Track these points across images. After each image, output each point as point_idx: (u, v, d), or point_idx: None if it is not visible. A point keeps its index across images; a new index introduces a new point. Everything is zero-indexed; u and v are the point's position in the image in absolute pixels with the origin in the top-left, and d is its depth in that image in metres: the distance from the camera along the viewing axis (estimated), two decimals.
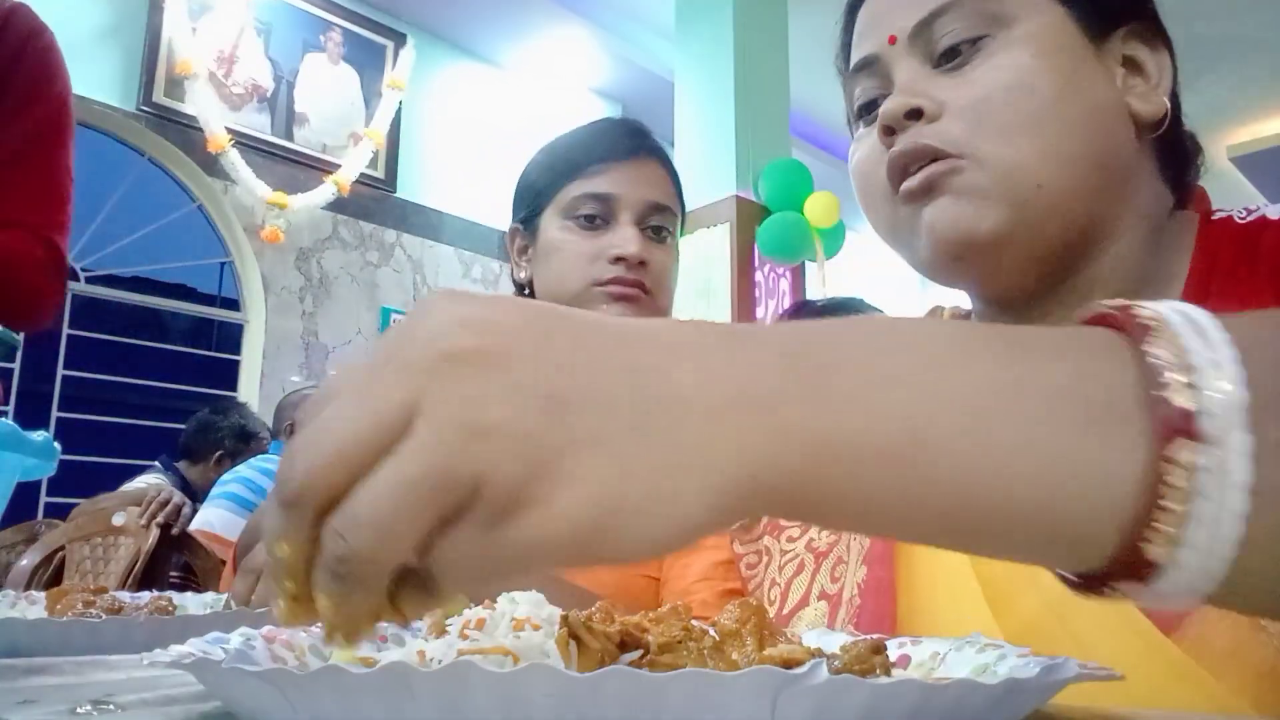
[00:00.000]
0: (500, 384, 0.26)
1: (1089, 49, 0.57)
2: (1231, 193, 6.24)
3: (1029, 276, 0.57)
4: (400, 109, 5.05)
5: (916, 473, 0.27)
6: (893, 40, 0.60)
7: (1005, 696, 0.28)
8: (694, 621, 0.39)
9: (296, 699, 0.28)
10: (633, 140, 1.04)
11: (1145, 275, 0.59)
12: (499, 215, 5.65)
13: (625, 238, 0.98)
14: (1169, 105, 0.59)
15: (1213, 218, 0.60)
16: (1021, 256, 0.56)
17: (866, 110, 0.63)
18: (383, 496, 0.25)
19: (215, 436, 3.02)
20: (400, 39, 5.17)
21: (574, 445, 0.26)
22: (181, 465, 3.00)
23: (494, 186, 5.45)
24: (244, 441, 3.05)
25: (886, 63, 0.61)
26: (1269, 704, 0.44)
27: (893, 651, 0.39)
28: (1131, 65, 0.60)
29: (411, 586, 0.27)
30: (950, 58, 0.58)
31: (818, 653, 0.36)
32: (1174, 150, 0.62)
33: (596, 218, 1.00)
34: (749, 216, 4.04)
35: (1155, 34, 0.61)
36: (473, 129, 5.51)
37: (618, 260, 0.97)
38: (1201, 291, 0.56)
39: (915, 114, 0.57)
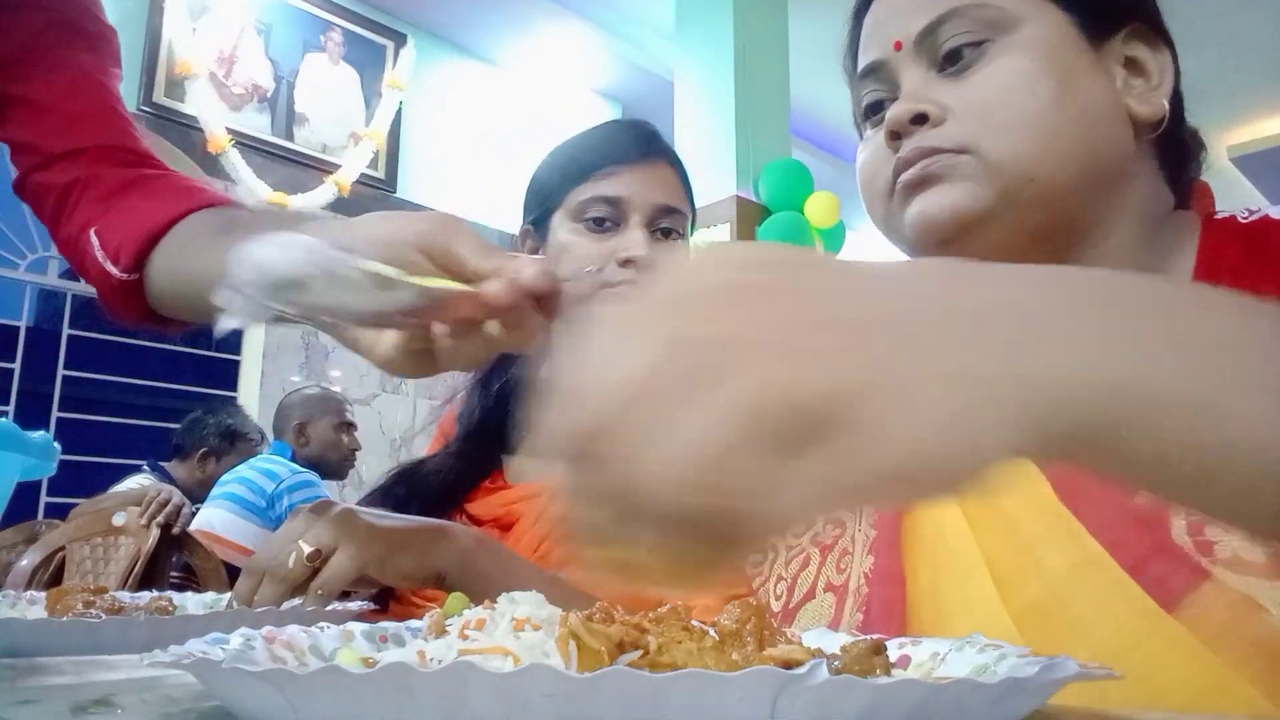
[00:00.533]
0: (799, 312, 0.25)
1: (1088, 52, 0.59)
2: (1231, 193, 6.23)
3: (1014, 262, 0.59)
4: (401, 109, 5.05)
5: (1219, 432, 0.27)
6: (898, 46, 0.62)
7: (1005, 696, 0.28)
8: (694, 623, 0.39)
9: (296, 699, 0.28)
10: (644, 143, 1.04)
11: (1143, 270, 0.59)
12: (500, 215, 5.67)
13: (634, 240, 0.98)
14: (1167, 106, 0.60)
15: (1215, 217, 0.61)
16: (1005, 242, 0.58)
17: (873, 111, 0.65)
18: (716, 428, 0.23)
19: (200, 434, 3.02)
20: (400, 39, 5.17)
21: (890, 369, 0.25)
22: (170, 465, 2.99)
23: (494, 186, 5.45)
24: (229, 441, 3.05)
25: (893, 68, 0.63)
26: (1266, 680, 0.44)
27: (893, 652, 0.39)
28: (1133, 65, 0.61)
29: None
30: (953, 61, 0.59)
31: (818, 653, 0.36)
32: (1174, 148, 0.63)
33: (606, 220, 1.00)
34: (749, 217, 4.04)
35: (1156, 35, 0.62)
36: (473, 129, 5.51)
37: (627, 263, 0.97)
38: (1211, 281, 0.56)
39: (920, 119, 0.59)
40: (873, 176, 0.63)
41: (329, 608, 0.72)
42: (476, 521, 0.98)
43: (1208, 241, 0.59)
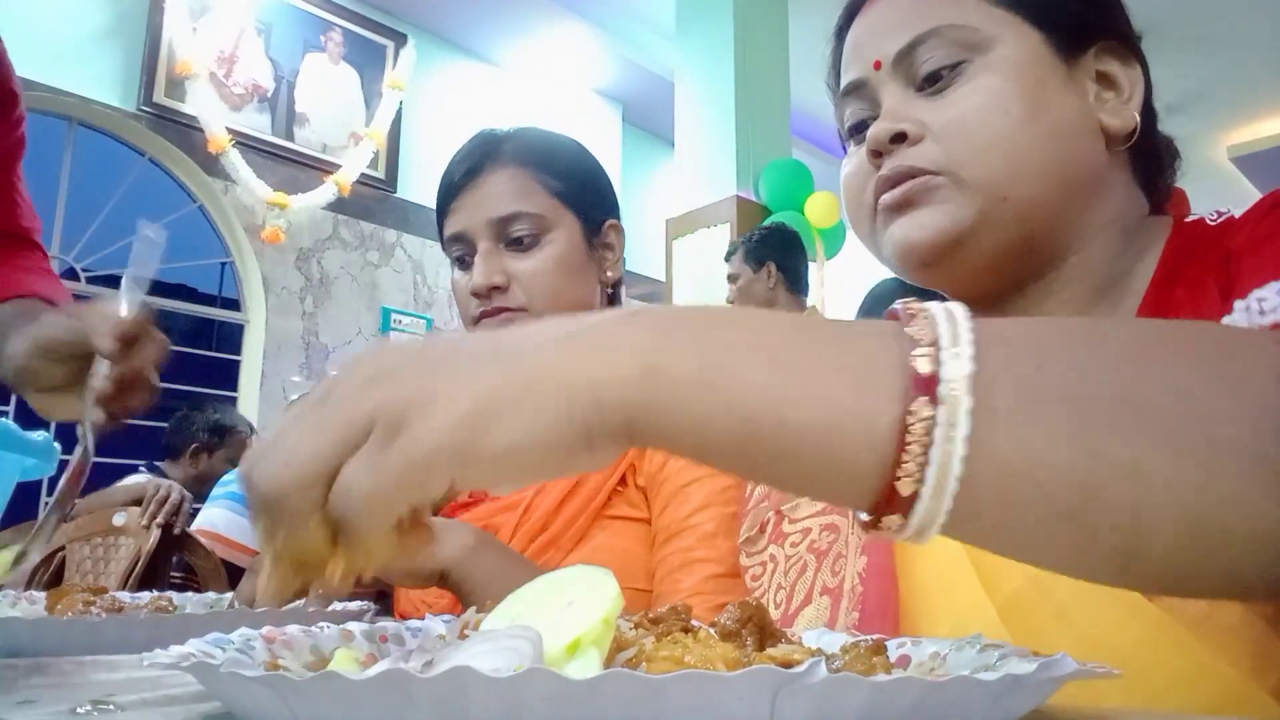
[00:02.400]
0: (395, 356, 0.35)
1: (1060, 68, 0.61)
2: (1232, 193, 6.24)
3: (995, 277, 0.61)
4: (401, 109, 5.06)
5: (719, 398, 0.33)
6: (878, 65, 0.64)
7: (1004, 694, 0.28)
8: (693, 622, 0.39)
9: (295, 703, 0.28)
10: (467, 163, 1.02)
11: (1113, 276, 0.62)
12: None
13: (477, 272, 0.98)
14: (1138, 117, 0.62)
15: (1186, 220, 0.62)
16: (985, 258, 0.60)
17: (857, 130, 0.67)
18: (294, 436, 0.33)
19: (189, 431, 3.02)
20: (400, 39, 5.17)
21: (445, 382, 0.33)
22: (164, 465, 2.98)
23: None
24: (218, 436, 3.04)
25: (873, 86, 0.65)
26: (1246, 662, 0.46)
27: (893, 652, 0.39)
28: (1104, 80, 0.63)
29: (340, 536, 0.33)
30: (932, 82, 0.61)
31: (817, 653, 0.36)
32: (1147, 157, 0.65)
33: (464, 257, 1.01)
34: (749, 217, 4.04)
35: (1127, 49, 0.64)
36: (473, 129, 5.51)
37: (480, 295, 0.97)
38: (1164, 293, 0.58)
39: (900, 137, 0.61)
40: (856, 193, 0.65)
41: (330, 608, 0.72)
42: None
43: (1171, 246, 0.61)
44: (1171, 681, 0.46)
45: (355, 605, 0.75)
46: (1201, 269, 0.57)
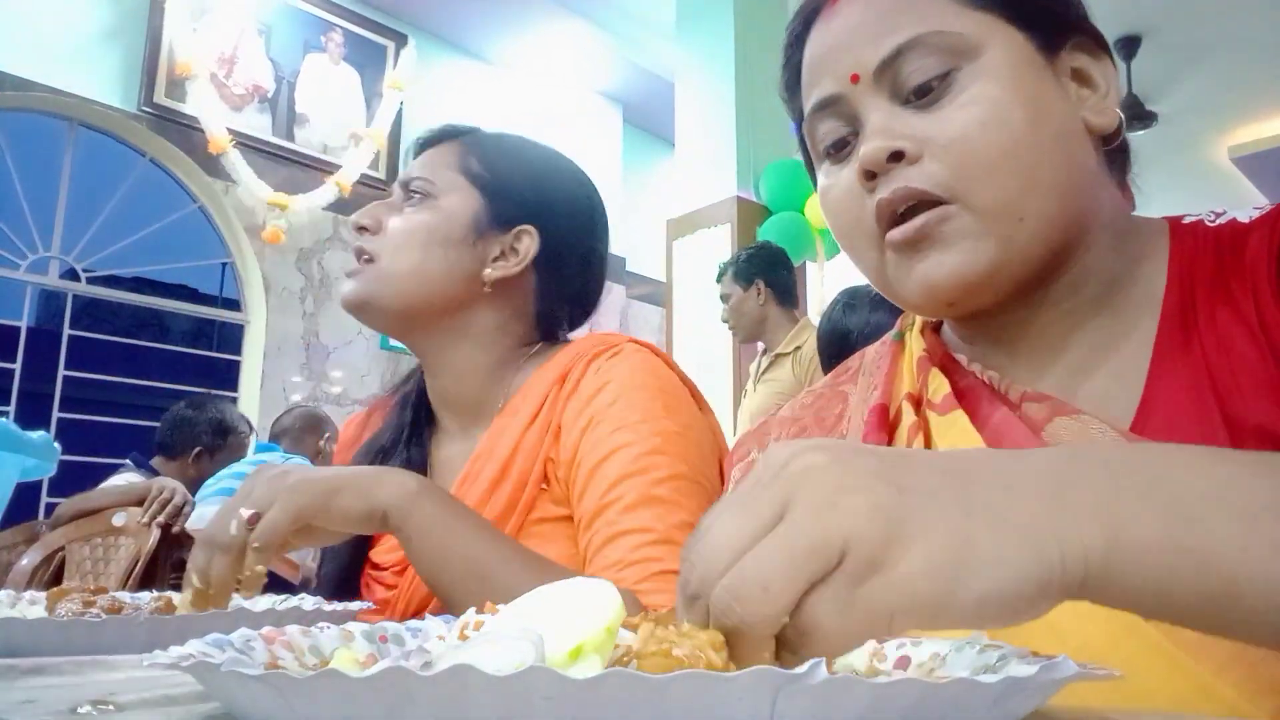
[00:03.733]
0: (854, 473, 0.33)
1: (1047, 68, 0.58)
2: (1232, 193, 6.24)
3: (1010, 295, 0.59)
4: (401, 109, 5.06)
5: (1191, 560, 0.33)
6: (855, 79, 0.59)
7: (1004, 695, 0.28)
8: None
9: (296, 702, 0.28)
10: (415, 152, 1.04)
11: (1116, 280, 0.60)
12: None
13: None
14: (1121, 114, 0.60)
15: (1183, 222, 0.61)
16: (1012, 284, 0.58)
17: (836, 149, 0.62)
18: (765, 559, 0.31)
19: (193, 432, 2.99)
20: (401, 39, 5.18)
21: (917, 522, 0.32)
22: (156, 462, 2.96)
23: None
24: (221, 437, 3.03)
25: (851, 101, 0.60)
26: (1249, 685, 0.45)
27: (892, 652, 0.39)
28: (1080, 77, 0.60)
29: (785, 651, 0.32)
30: (922, 94, 0.57)
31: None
32: (1121, 154, 0.63)
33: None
34: (750, 217, 4.04)
35: (1097, 44, 0.61)
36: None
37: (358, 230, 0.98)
38: (1186, 299, 0.57)
39: (897, 156, 0.57)
40: (852, 223, 0.61)
41: (330, 608, 0.72)
42: (377, 567, 0.97)
43: (1179, 250, 0.59)
44: (1175, 702, 0.46)
45: (355, 606, 0.75)
46: (1220, 272, 0.56)
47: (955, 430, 0.59)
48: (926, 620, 0.32)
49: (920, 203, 0.56)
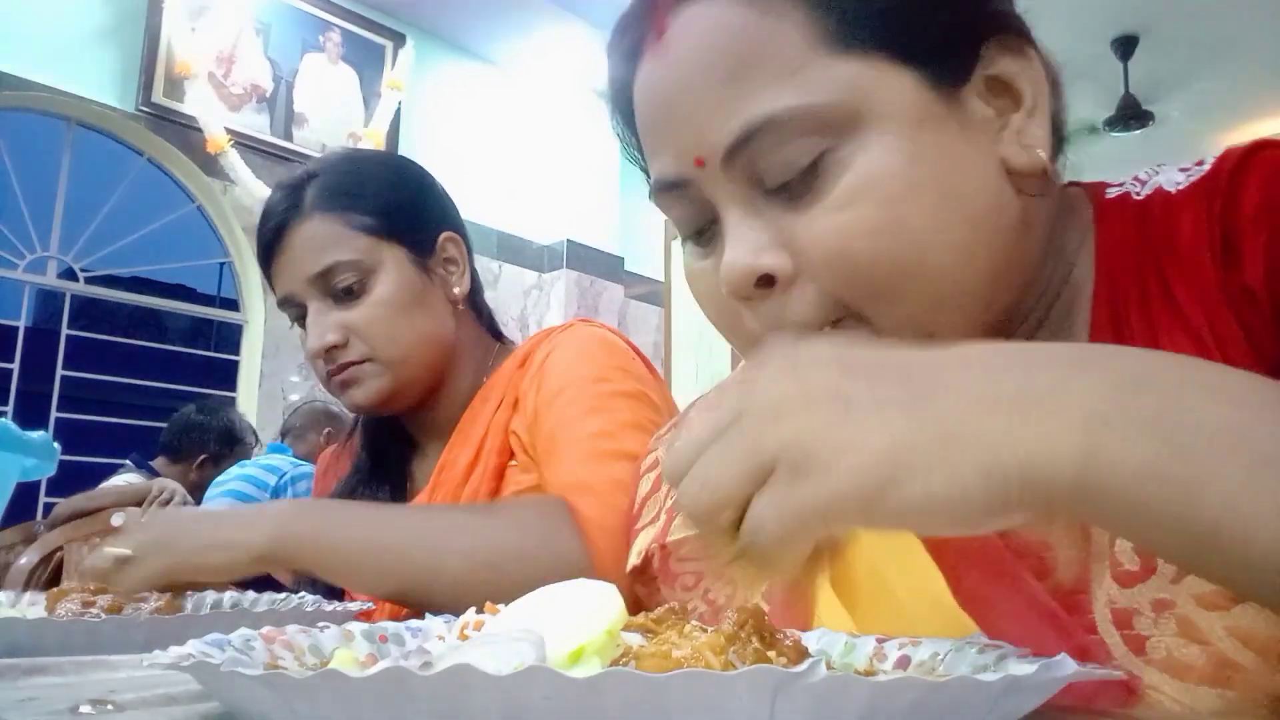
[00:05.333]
0: (806, 389, 0.34)
1: (951, 113, 0.46)
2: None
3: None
4: (399, 109, 5.05)
5: (1175, 495, 0.30)
6: (700, 163, 0.47)
7: (1004, 695, 0.28)
8: (693, 621, 0.39)
9: (296, 702, 0.28)
10: (272, 220, 0.96)
11: (1047, 298, 0.52)
12: (499, 216, 5.67)
13: (309, 335, 0.94)
14: (1048, 142, 0.48)
15: (1108, 197, 0.52)
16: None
17: (695, 237, 0.51)
18: (710, 460, 0.34)
19: (202, 438, 2.98)
20: (399, 39, 5.17)
21: (857, 423, 0.33)
22: (158, 463, 2.95)
23: (494, 187, 5.44)
24: (229, 446, 3.02)
25: (700, 187, 0.48)
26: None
27: (892, 652, 0.39)
28: (997, 87, 0.48)
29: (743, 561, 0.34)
30: (784, 188, 0.45)
31: (818, 653, 0.36)
32: (1055, 139, 0.51)
33: (299, 319, 0.97)
34: None
35: (1017, 37, 0.48)
36: (473, 129, 5.50)
37: (321, 354, 0.94)
38: (1120, 295, 0.49)
39: (767, 280, 0.46)
40: (731, 327, 0.50)
41: (330, 608, 0.72)
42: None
43: (1105, 239, 0.50)
44: None
45: (355, 605, 0.75)
46: (1153, 263, 0.47)
47: None
48: (861, 521, 0.33)
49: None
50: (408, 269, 0.96)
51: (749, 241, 0.46)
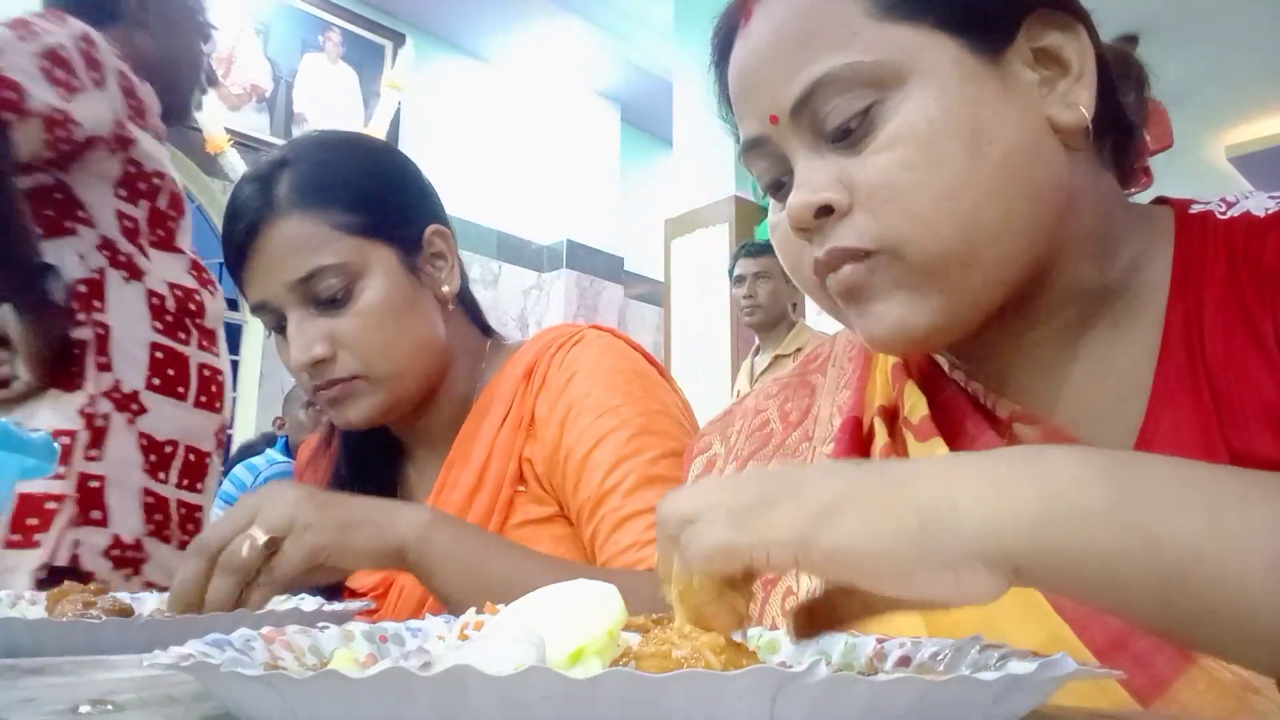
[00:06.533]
0: (810, 473, 0.37)
1: (993, 74, 0.51)
2: (1230, 192, 6.23)
3: (984, 324, 0.54)
4: (399, 109, 5.06)
5: (1138, 539, 0.31)
6: (775, 120, 0.54)
7: (1004, 694, 0.28)
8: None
9: (295, 702, 0.28)
10: (244, 219, 0.86)
11: (1109, 290, 0.55)
12: (499, 216, 5.67)
13: (295, 347, 0.86)
14: (1094, 100, 0.52)
15: (1191, 212, 0.56)
16: (969, 321, 0.53)
17: (774, 190, 0.58)
18: (698, 546, 0.35)
19: None
20: (399, 39, 5.18)
21: (822, 482, 0.35)
22: None
23: (493, 187, 5.44)
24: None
25: (777, 142, 0.55)
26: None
27: (893, 652, 0.39)
28: (1046, 58, 0.53)
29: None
30: (843, 135, 0.52)
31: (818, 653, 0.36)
32: (1113, 128, 0.56)
33: (277, 328, 0.89)
34: (748, 216, 4.04)
35: (1063, 9, 0.53)
36: (472, 129, 5.50)
37: (307, 368, 0.86)
38: (1192, 309, 0.52)
39: (825, 210, 0.52)
40: (797, 269, 0.57)
41: (330, 608, 0.72)
42: (354, 594, 0.94)
43: (1184, 248, 0.53)
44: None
45: (355, 605, 0.75)
46: (1232, 279, 0.51)
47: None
48: (801, 559, 0.34)
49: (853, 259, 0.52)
50: (396, 271, 0.88)
51: (809, 184, 0.52)
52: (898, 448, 0.59)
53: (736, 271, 3.12)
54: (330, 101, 4.88)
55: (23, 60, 1.10)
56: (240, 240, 0.86)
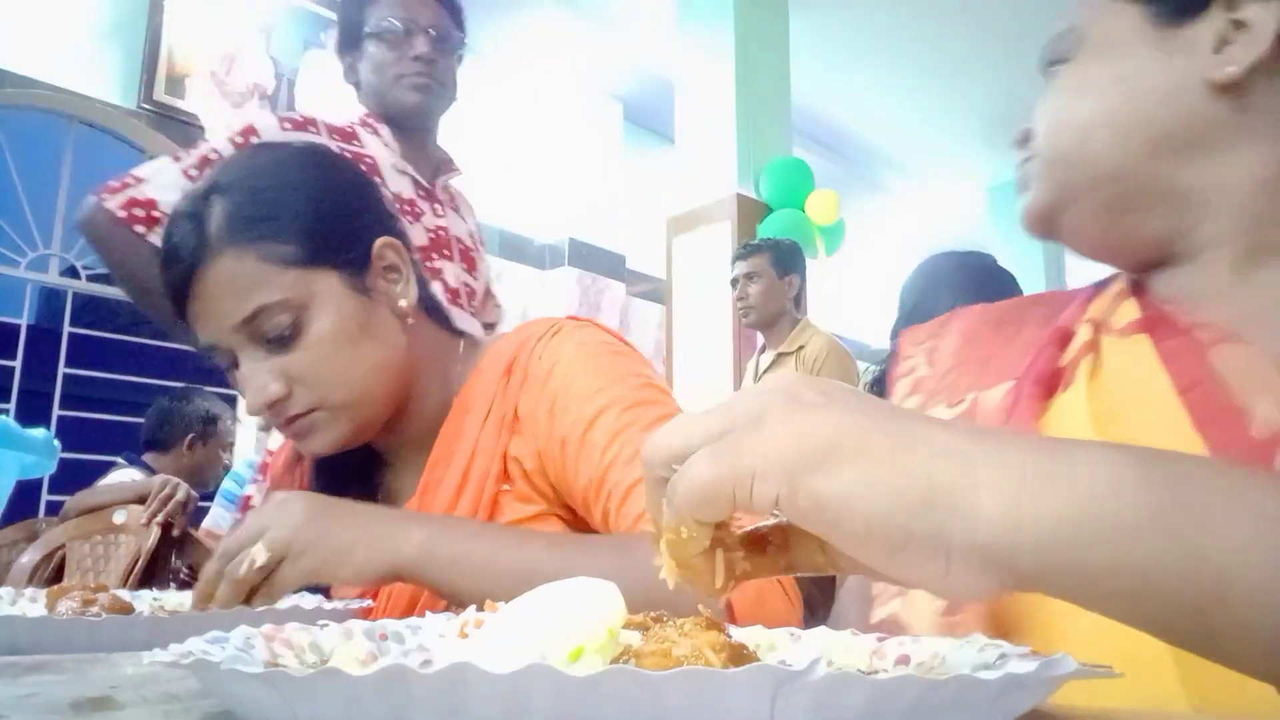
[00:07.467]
0: (808, 386, 0.35)
1: (1162, 37, 0.57)
2: None
3: (1120, 243, 0.60)
4: None
5: (1181, 547, 0.29)
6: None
7: (1004, 693, 0.28)
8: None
9: (295, 700, 0.28)
10: (178, 261, 0.82)
11: (1270, 241, 0.55)
12: (499, 215, 5.65)
13: (248, 391, 0.83)
14: (1248, 59, 0.54)
15: None
16: (1091, 219, 0.60)
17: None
18: (686, 486, 0.33)
19: (183, 424, 2.99)
20: None
21: (818, 412, 0.33)
22: (149, 458, 2.95)
23: (493, 186, 5.44)
24: (211, 424, 3.04)
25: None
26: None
27: (892, 651, 0.39)
28: (1237, 26, 0.55)
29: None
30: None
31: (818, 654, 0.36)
32: None
33: (228, 367, 0.86)
34: (750, 214, 4.04)
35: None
36: (474, 126, 5.50)
37: (265, 409, 0.83)
38: (1258, 236, 0.54)
39: (1026, 136, 0.65)
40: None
41: (330, 606, 0.72)
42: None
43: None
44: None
45: (355, 604, 0.75)
46: None
47: (1135, 352, 0.56)
48: (785, 494, 0.32)
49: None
50: (344, 295, 0.84)
51: (1022, 129, 0.65)
52: (1094, 346, 0.59)
53: (731, 274, 3.15)
54: (333, 99, 4.88)
55: None
56: (178, 285, 0.83)
